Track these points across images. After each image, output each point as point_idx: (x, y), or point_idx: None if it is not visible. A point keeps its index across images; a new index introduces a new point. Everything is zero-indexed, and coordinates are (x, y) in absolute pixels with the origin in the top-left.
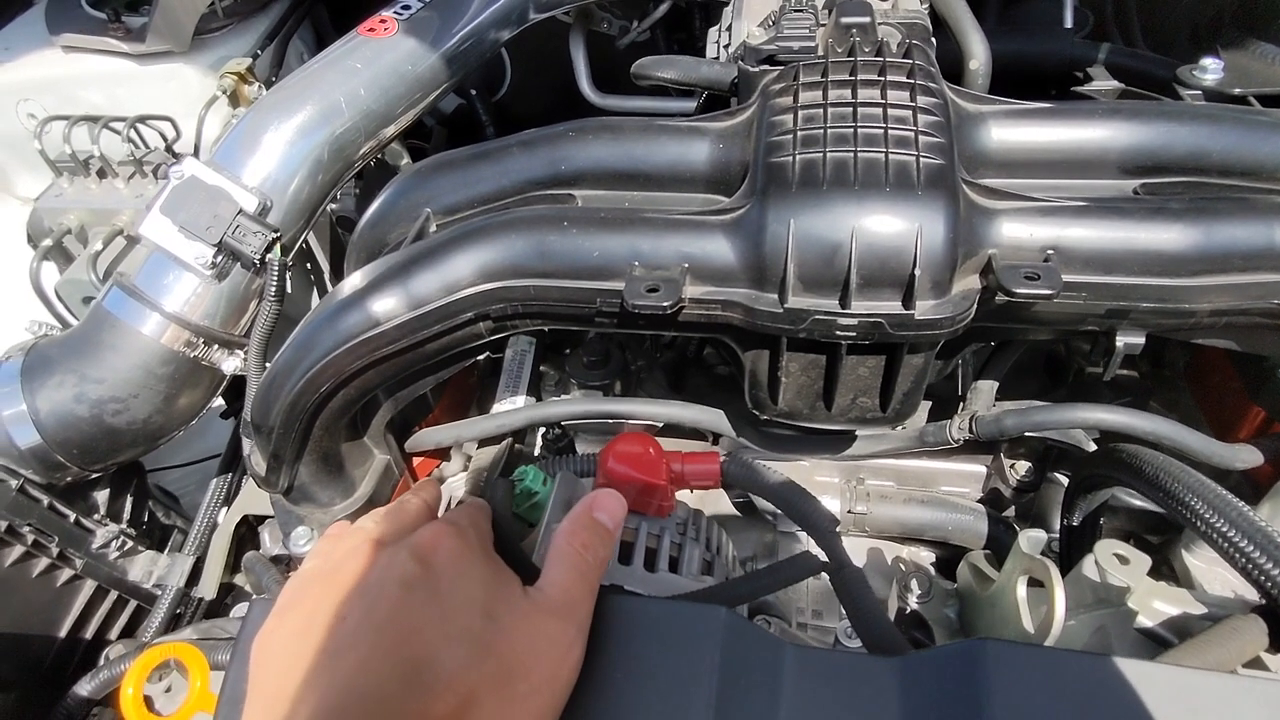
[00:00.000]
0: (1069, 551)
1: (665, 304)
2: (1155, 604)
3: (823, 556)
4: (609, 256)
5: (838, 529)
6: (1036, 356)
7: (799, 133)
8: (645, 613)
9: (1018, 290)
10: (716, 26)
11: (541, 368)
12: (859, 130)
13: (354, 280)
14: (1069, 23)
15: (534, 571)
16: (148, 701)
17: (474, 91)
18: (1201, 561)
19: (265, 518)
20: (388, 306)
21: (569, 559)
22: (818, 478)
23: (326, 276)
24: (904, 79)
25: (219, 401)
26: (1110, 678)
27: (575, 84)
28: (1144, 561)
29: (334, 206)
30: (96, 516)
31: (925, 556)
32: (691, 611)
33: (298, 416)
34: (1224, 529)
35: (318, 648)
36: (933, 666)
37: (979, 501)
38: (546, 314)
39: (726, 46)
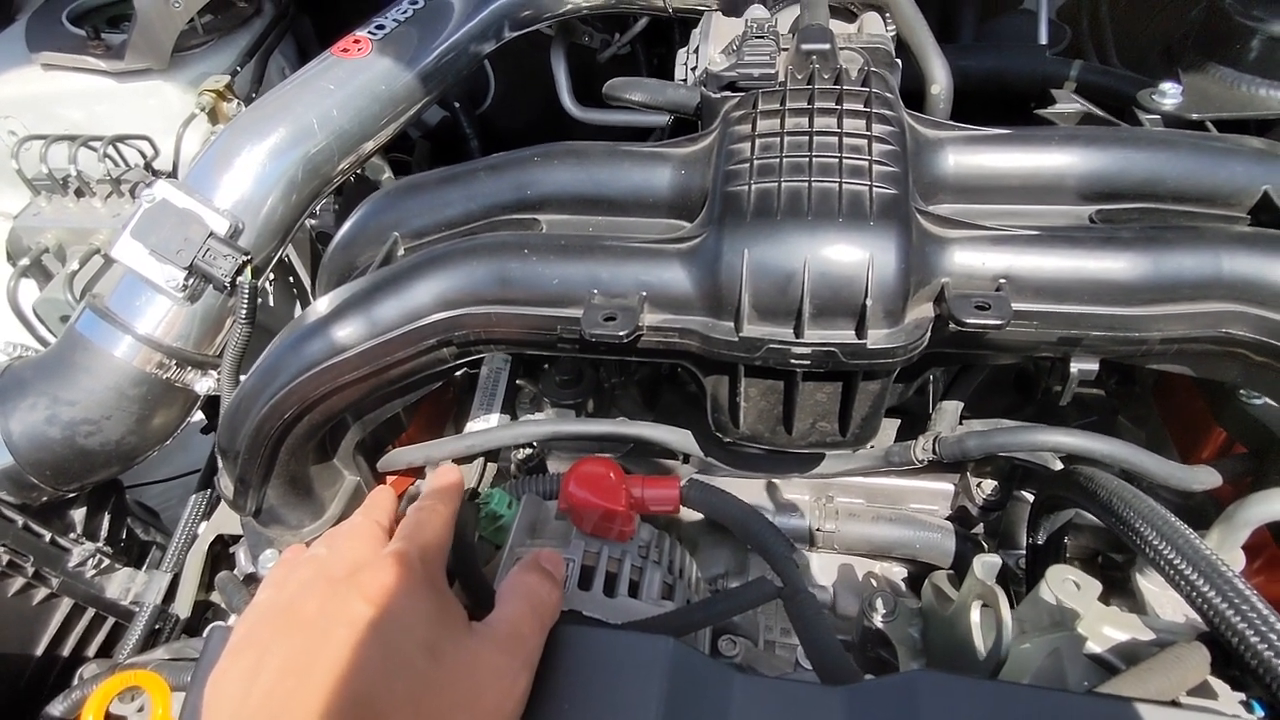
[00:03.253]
0: (1034, 570)
1: (621, 333)
2: (1105, 630)
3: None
4: (568, 284)
5: (807, 547)
6: (1007, 374)
7: (755, 161)
8: (592, 642)
9: (968, 320)
10: (685, 48)
11: (518, 382)
12: (814, 159)
13: (318, 307)
14: (1044, 39)
15: (492, 598)
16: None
17: (458, 104)
18: (1154, 585)
19: (240, 536)
20: (350, 333)
21: (520, 594)
22: (787, 495)
23: (309, 292)
24: (861, 107)
25: (199, 416)
26: (1042, 710)
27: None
28: (1095, 587)
29: (313, 223)
30: (73, 535)
31: (897, 573)
32: (637, 641)
33: (263, 441)
34: (1170, 555)
35: (266, 691)
36: (875, 696)
37: (947, 519)
38: (508, 340)
39: (694, 69)
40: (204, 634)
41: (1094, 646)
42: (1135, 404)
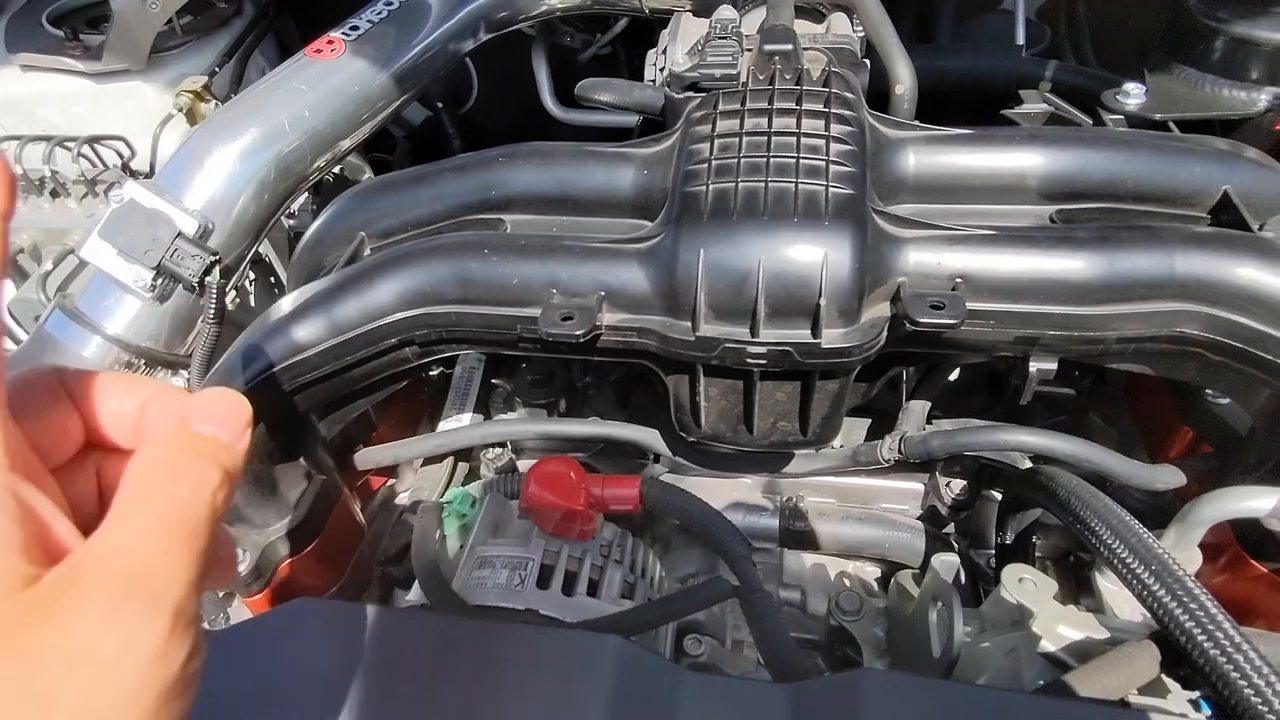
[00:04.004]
0: (1002, 569)
1: (577, 333)
2: (1059, 629)
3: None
4: (528, 284)
5: (778, 547)
6: (979, 374)
7: (714, 162)
8: (540, 640)
9: (922, 320)
10: (654, 49)
11: (493, 381)
12: (771, 160)
13: (281, 305)
14: (1020, 39)
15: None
16: None
17: (440, 105)
18: (1112, 584)
19: None
20: (311, 333)
21: (145, 504)
22: (757, 495)
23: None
24: (820, 107)
25: None
26: (983, 709)
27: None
28: (1050, 586)
29: (292, 223)
30: None
31: (870, 572)
32: (584, 640)
33: None
34: (1122, 554)
35: None
36: (821, 694)
37: (918, 518)
38: (470, 340)
39: (661, 70)
40: None
41: (1048, 645)
42: (1107, 404)
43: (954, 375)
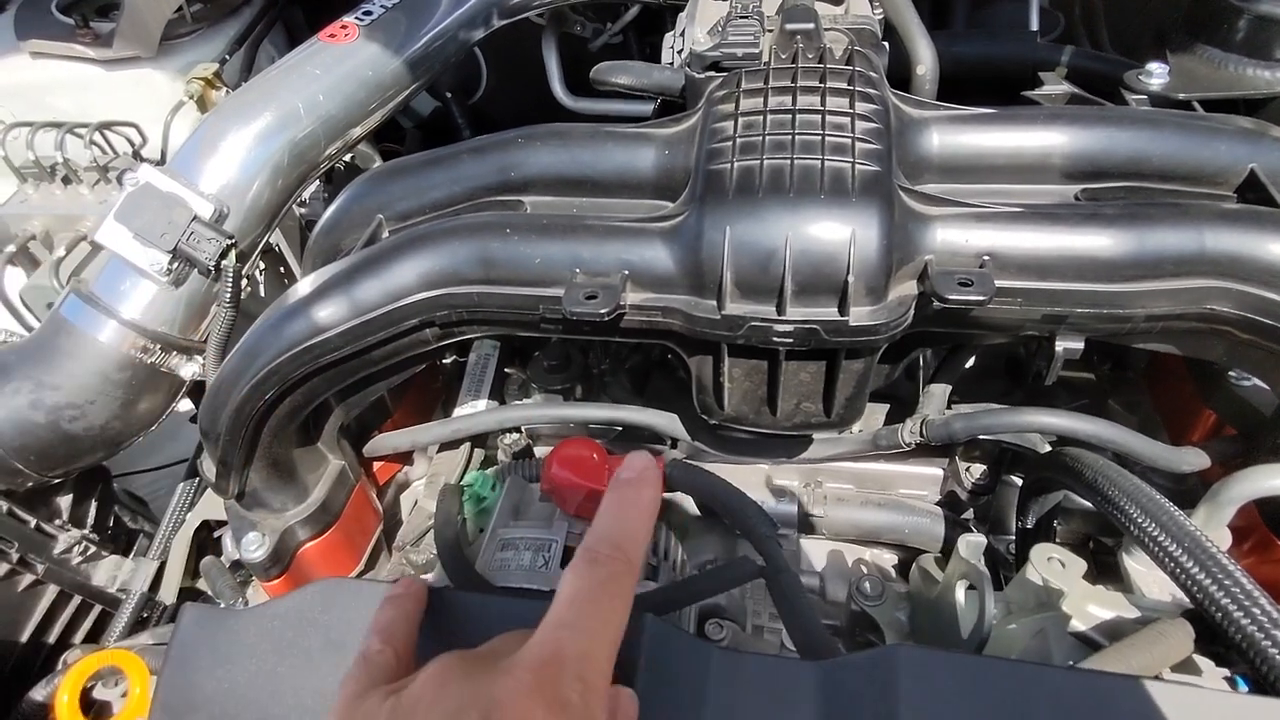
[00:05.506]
0: (1023, 553)
1: (603, 311)
2: (1089, 608)
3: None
4: (551, 263)
5: (796, 533)
6: (998, 359)
7: (738, 140)
8: None
9: (951, 296)
10: (672, 31)
11: (507, 370)
12: (797, 137)
13: (300, 287)
14: (1035, 25)
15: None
16: (104, 707)
17: (450, 95)
18: (1141, 564)
19: (226, 522)
20: (331, 313)
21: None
22: (776, 480)
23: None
24: (844, 85)
25: (188, 405)
26: (1019, 682)
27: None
28: (1079, 566)
29: (303, 211)
30: (58, 522)
31: (887, 559)
32: None
33: (244, 423)
34: (1154, 533)
35: None
36: (851, 671)
37: (937, 504)
38: (491, 320)
39: (680, 52)
40: (176, 614)
41: (1079, 625)
42: (1127, 389)
43: (971, 361)
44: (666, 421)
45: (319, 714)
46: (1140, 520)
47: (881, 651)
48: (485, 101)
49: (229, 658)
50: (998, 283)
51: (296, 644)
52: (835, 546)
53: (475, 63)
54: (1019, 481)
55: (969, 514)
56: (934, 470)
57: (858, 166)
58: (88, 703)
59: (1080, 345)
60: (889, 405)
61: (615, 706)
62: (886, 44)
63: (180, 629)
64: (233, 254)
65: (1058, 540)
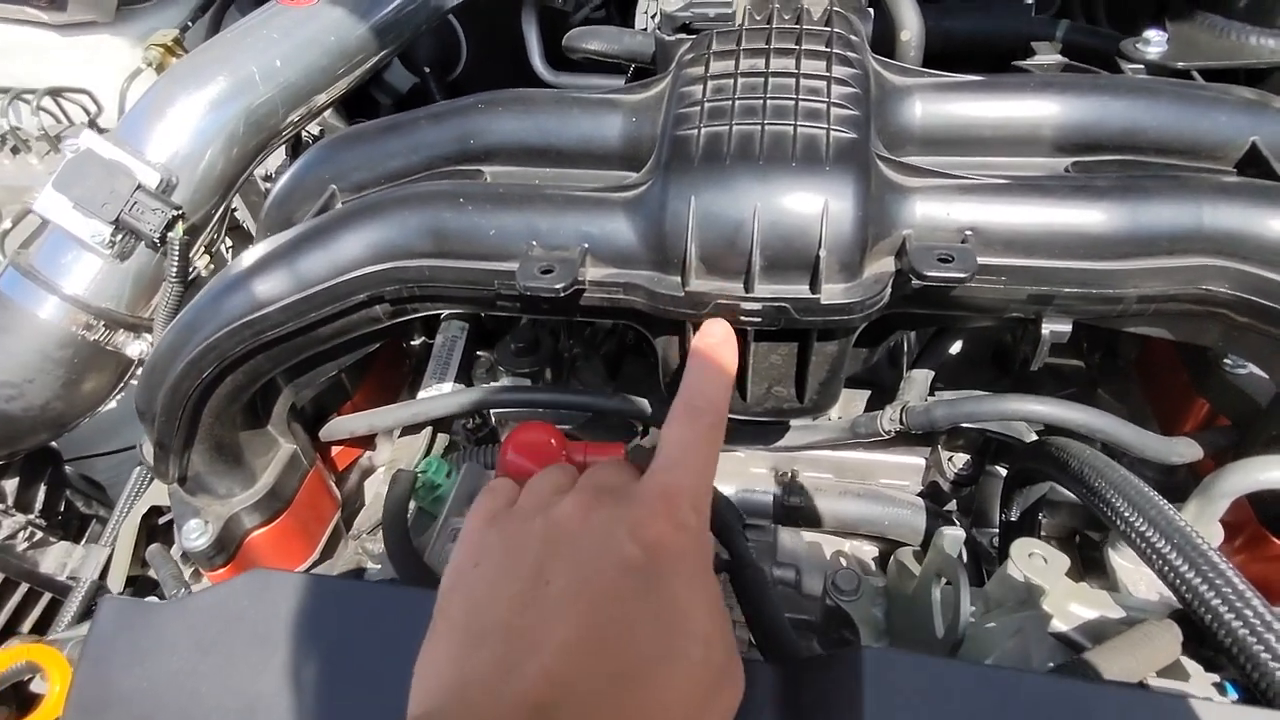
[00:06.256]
0: (1007, 548)
1: (558, 286)
2: (1071, 607)
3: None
4: (506, 236)
5: (771, 524)
6: (985, 345)
7: (706, 104)
8: None
9: (929, 274)
10: None
11: (478, 353)
12: (768, 102)
13: (243, 259)
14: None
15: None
16: (39, 700)
17: (427, 70)
18: (1127, 561)
19: None
20: (272, 287)
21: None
22: (752, 469)
23: None
24: (821, 48)
25: None
26: (995, 690)
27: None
28: (1062, 562)
29: (269, 185)
30: (2, 506)
31: (868, 551)
32: None
33: (180, 402)
34: (1142, 528)
35: (519, 599)
36: (814, 674)
37: (919, 494)
38: (444, 297)
39: (654, 17)
40: (96, 607)
41: (1060, 625)
42: (1116, 378)
43: (956, 348)
44: (638, 406)
45: (241, 714)
46: (1126, 513)
47: (846, 654)
48: (464, 77)
49: (148, 654)
50: (980, 260)
51: (220, 640)
52: (814, 538)
53: (454, 37)
54: (1003, 472)
55: (952, 505)
56: (916, 460)
57: (833, 133)
58: (26, 696)
59: (1068, 328)
60: (870, 392)
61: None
62: (871, 10)
63: (97, 623)
64: (180, 226)
65: (1043, 534)
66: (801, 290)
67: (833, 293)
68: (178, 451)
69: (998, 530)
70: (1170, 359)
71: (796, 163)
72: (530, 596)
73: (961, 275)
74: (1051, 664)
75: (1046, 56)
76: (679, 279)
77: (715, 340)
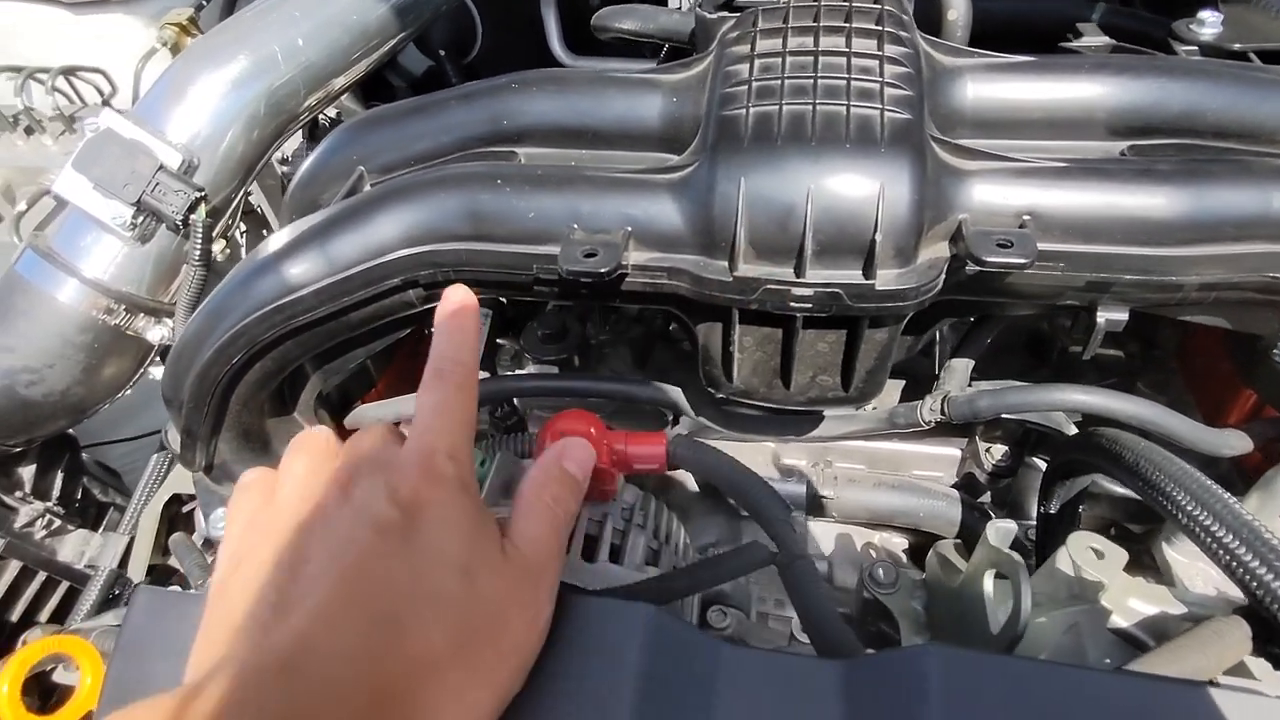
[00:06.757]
0: (1045, 541)
1: (602, 270)
2: (1131, 603)
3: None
4: (546, 218)
5: (804, 515)
6: (1018, 334)
7: (754, 83)
8: (563, 609)
9: (988, 259)
10: None
11: (499, 341)
12: (819, 81)
13: (272, 242)
14: None
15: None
16: (66, 691)
17: (443, 53)
18: (1183, 556)
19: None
20: (305, 271)
21: (541, 513)
22: (784, 460)
23: None
24: (872, 25)
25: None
26: (1072, 690)
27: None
28: (1120, 556)
29: (285, 169)
30: (20, 494)
31: (897, 543)
32: (613, 608)
33: (209, 389)
34: (1207, 522)
35: (280, 586)
36: (879, 672)
37: (953, 486)
38: (481, 281)
39: None
40: (128, 597)
41: (1119, 621)
42: (1156, 368)
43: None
44: (672, 395)
45: None
46: (1189, 508)
47: (913, 652)
48: (480, 61)
49: (186, 645)
50: (1039, 245)
51: None
52: (843, 529)
53: (470, 19)
54: (1042, 464)
55: (986, 497)
56: (951, 451)
57: (887, 114)
58: (49, 687)
59: (1124, 316)
60: (904, 381)
61: (562, 451)
62: None
63: (131, 613)
64: (203, 208)
65: (1082, 525)
66: (854, 276)
67: (887, 278)
68: (205, 439)
69: (1034, 523)
70: (1214, 348)
71: (851, 144)
72: (290, 579)
73: (1022, 261)
74: (1109, 660)
75: (1094, 38)
76: (726, 264)
77: (454, 305)
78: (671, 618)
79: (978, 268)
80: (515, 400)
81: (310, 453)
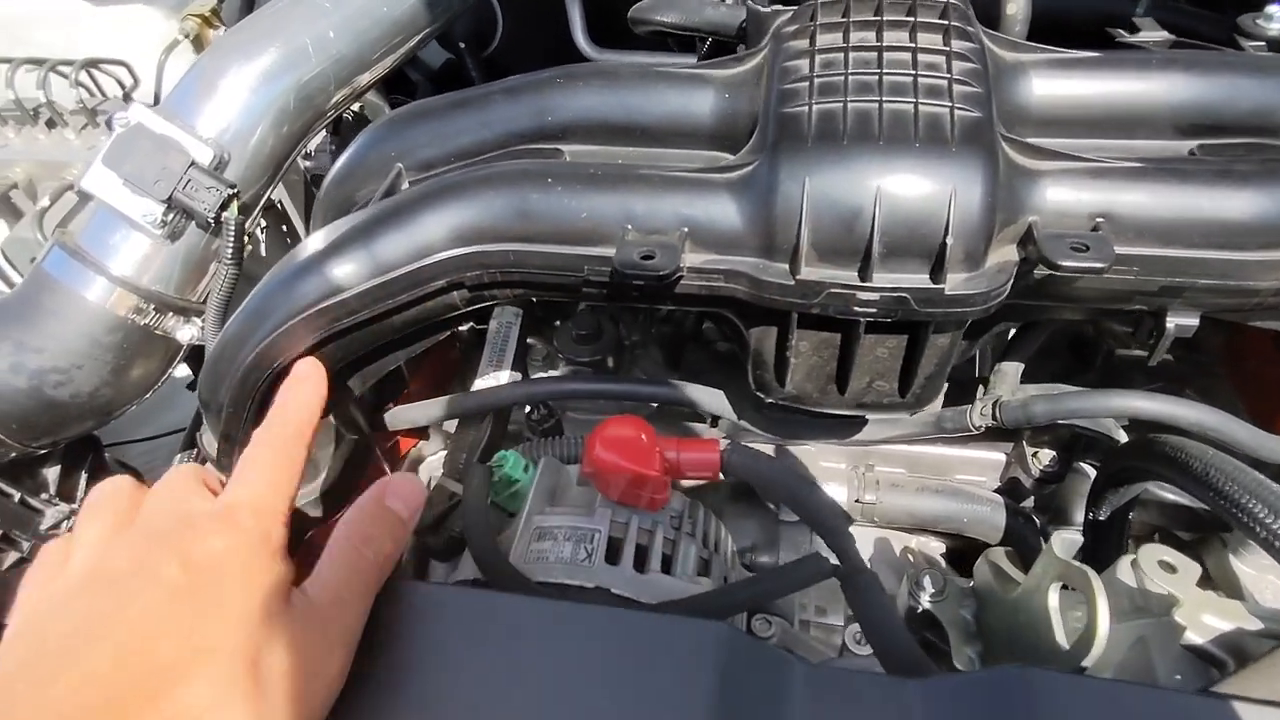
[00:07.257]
0: (1094, 548)
1: (661, 272)
2: (1205, 618)
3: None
4: (599, 218)
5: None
6: (1061, 337)
7: (816, 80)
8: (626, 625)
9: (1063, 263)
10: None
11: (529, 341)
12: (885, 77)
13: (313, 242)
14: None
15: (512, 578)
16: None
17: (463, 45)
18: (1252, 568)
19: None
20: (349, 272)
21: (340, 557)
22: (824, 464)
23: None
24: (936, 20)
25: (184, 370)
26: (1182, 717)
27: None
28: (1194, 570)
29: (309, 165)
30: (45, 495)
31: (935, 547)
32: (683, 627)
33: (249, 394)
34: None
35: (55, 654)
36: (965, 694)
37: (996, 491)
38: (529, 283)
39: None
40: None
41: (1193, 636)
42: (1201, 372)
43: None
44: (711, 398)
45: None
46: (1267, 519)
47: (1000, 674)
48: (501, 53)
49: None
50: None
51: None
52: (881, 534)
53: (490, 11)
54: (1090, 469)
55: (1029, 502)
56: (996, 455)
57: (957, 112)
58: None
59: (1195, 322)
60: (947, 385)
61: (385, 488)
62: None
63: None
64: (235, 205)
65: (1131, 532)
66: (922, 280)
67: (956, 283)
68: (243, 444)
69: (1082, 530)
70: (1262, 349)
71: (920, 143)
72: (69, 645)
73: (1099, 265)
74: (1179, 677)
75: (1153, 34)
76: (787, 266)
77: (299, 377)
78: (745, 635)
79: (1049, 271)
80: (550, 403)
81: (104, 516)
